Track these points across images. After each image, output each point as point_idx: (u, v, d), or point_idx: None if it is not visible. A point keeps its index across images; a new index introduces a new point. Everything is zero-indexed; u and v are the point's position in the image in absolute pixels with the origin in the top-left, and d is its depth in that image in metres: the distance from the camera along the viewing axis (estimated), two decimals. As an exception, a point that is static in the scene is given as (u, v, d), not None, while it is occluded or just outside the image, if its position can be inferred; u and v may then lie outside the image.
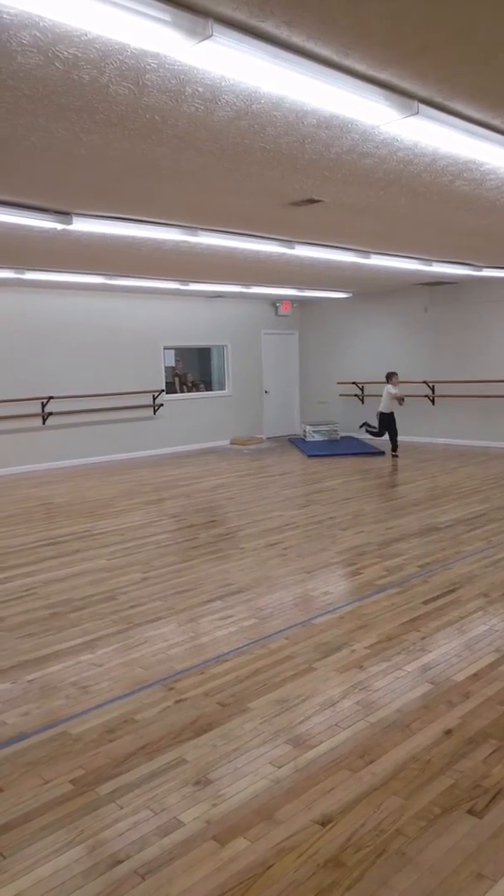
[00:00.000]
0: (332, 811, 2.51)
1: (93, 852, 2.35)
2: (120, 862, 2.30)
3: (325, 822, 2.45)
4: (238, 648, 3.98)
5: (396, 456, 11.36)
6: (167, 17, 2.36)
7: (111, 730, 3.15)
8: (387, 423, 11.32)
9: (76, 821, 2.52)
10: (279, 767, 2.80)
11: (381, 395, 11.40)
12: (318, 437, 13.20)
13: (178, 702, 3.39)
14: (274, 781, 2.71)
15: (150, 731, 3.13)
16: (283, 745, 2.97)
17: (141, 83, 3.03)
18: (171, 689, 3.53)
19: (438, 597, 4.71)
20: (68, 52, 2.70)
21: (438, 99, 3.33)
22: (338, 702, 3.32)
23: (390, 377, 11.23)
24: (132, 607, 4.73)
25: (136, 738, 3.07)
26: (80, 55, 2.72)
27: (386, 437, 11.63)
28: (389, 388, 11.08)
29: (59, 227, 5.77)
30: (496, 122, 3.71)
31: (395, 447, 11.45)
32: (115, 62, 2.80)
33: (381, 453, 11.64)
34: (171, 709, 3.33)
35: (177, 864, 2.27)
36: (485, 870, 2.19)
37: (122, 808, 2.59)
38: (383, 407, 11.27)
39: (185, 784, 2.72)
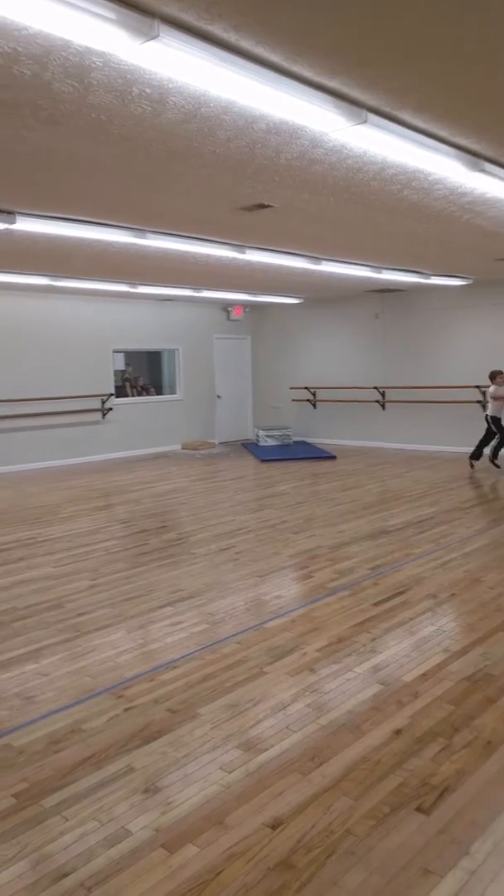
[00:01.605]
0: (282, 814, 2.50)
1: (37, 866, 2.29)
2: (66, 875, 2.25)
3: (275, 825, 2.44)
4: (188, 654, 3.95)
5: (498, 466, 10.09)
6: (112, 16, 2.33)
7: (57, 740, 3.09)
8: (498, 426, 9.94)
9: (19, 835, 2.46)
10: (229, 772, 2.78)
11: (334, 401, 11.34)
12: (271, 442, 13.24)
13: (126, 709, 3.35)
14: (224, 786, 2.69)
15: (98, 741, 3.08)
16: (234, 749, 2.95)
17: (86, 81, 2.99)
18: (120, 696, 3.48)
19: (388, 598, 4.76)
20: (8, 47, 2.64)
21: (387, 108, 3.38)
22: (289, 705, 3.32)
23: (494, 377, 9.78)
24: (79, 615, 4.65)
25: (83, 748, 3.02)
26: (20, 49, 2.67)
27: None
28: (491, 391, 9.79)
29: (2, 226, 5.66)
30: (443, 133, 3.78)
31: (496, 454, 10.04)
32: (59, 59, 2.76)
33: (333, 457, 11.73)
34: (120, 717, 3.28)
35: (125, 875, 2.24)
36: (432, 866, 2.21)
37: (67, 820, 2.53)
38: (492, 410, 9.89)
39: (134, 793, 2.68)
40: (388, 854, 2.27)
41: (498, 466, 10.14)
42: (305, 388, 13.85)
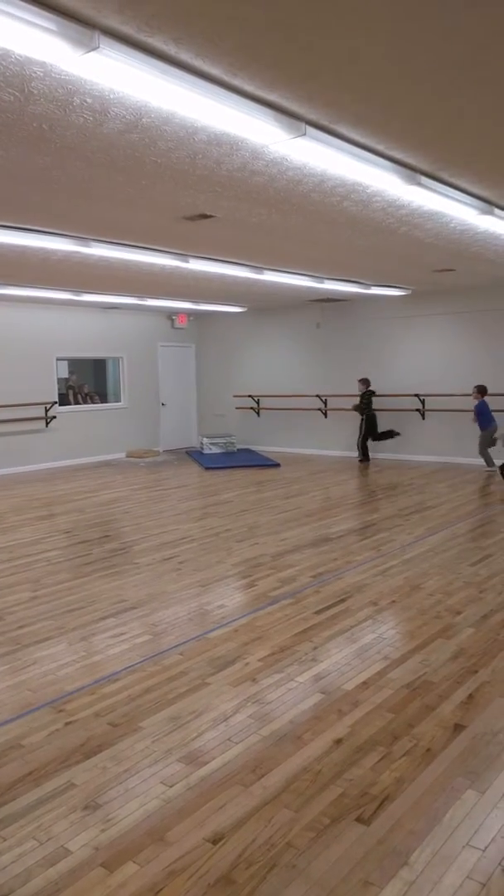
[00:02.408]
0: (223, 828, 2.50)
1: (-27, 889, 2.24)
2: (2, 897, 2.20)
3: (216, 839, 2.44)
4: (131, 666, 3.92)
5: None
6: (52, 27, 2.32)
7: (-4, 758, 3.02)
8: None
9: (-45, 857, 2.39)
10: (171, 786, 2.76)
11: (278, 409, 11.45)
12: (215, 450, 13.23)
13: (67, 724, 3.29)
14: (165, 801, 2.67)
15: (38, 756, 3.02)
16: (175, 763, 2.93)
17: (27, 90, 2.96)
18: (61, 710, 3.42)
19: (330, 606, 4.80)
20: None
21: (325, 122, 3.44)
22: (231, 716, 3.32)
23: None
24: (20, 627, 4.56)
25: (21, 765, 2.96)
26: (-40, 58, 2.63)
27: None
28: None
29: None
30: (379, 147, 3.86)
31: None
32: (-1, 68, 2.72)
33: (277, 465, 11.79)
34: (60, 731, 3.23)
35: (63, 895, 2.20)
36: (371, 877, 2.23)
37: (5, 839, 2.48)
38: None
39: (74, 810, 2.64)
40: (328, 866, 2.28)
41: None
42: (249, 395, 13.90)
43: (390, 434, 11.77)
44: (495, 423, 10.26)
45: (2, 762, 2.98)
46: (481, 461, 10.72)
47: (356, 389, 12.21)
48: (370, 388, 11.92)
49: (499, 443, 10.34)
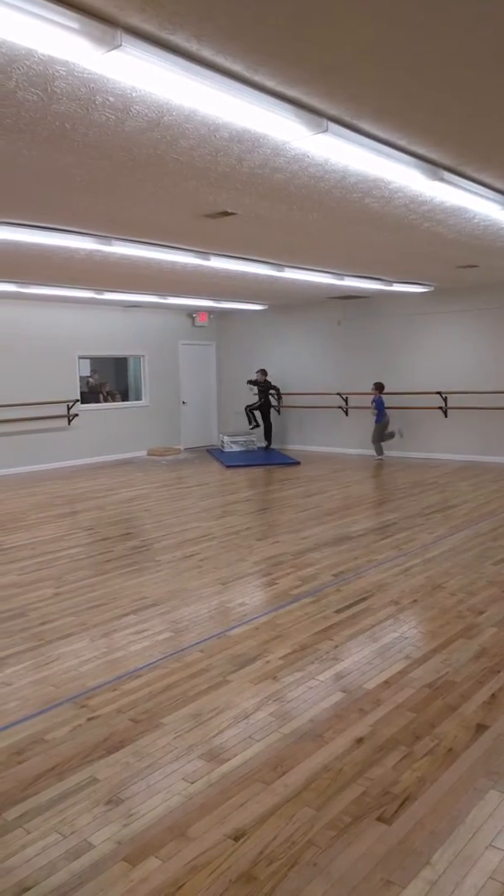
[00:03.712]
0: (244, 825, 2.50)
1: (-2, 881, 2.26)
2: (27, 889, 2.22)
3: (237, 836, 2.44)
4: (152, 663, 3.93)
5: None
6: (75, 25, 2.33)
7: (20, 751, 3.05)
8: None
9: (-20, 850, 2.42)
10: (192, 783, 2.77)
11: (298, 407, 11.51)
12: (235, 448, 13.24)
13: (90, 719, 3.32)
14: (187, 797, 2.68)
15: (61, 751, 3.04)
16: (197, 759, 2.94)
17: (50, 90, 2.98)
18: (84, 706, 3.45)
19: (351, 605, 4.79)
20: (-28, 55, 2.62)
21: (346, 117, 3.42)
22: (252, 714, 3.32)
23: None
24: (43, 624, 4.60)
25: (45, 759, 2.98)
26: (-16, 58, 2.65)
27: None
28: None
29: (-33, 232, 5.60)
30: (402, 143, 3.83)
31: None
32: (23, 67, 2.74)
33: (297, 463, 11.78)
34: (83, 727, 3.25)
35: (86, 889, 2.22)
36: (393, 876, 2.22)
37: (29, 832, 2.50)
38: None
39: (97, 804, 2.66)
40: (349, 865, 2.28)
41: None
42: (270, 393, 13.87)
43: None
44: (387, 417, 11.78)
45: (26, 756, 3.01)
46: (503, 459, 10.70)
47: (390, 387, 12.18)
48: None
49: (397, 435, 11.81)
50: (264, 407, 13.33)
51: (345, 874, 2.24)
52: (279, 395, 13.42)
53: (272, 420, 13.51)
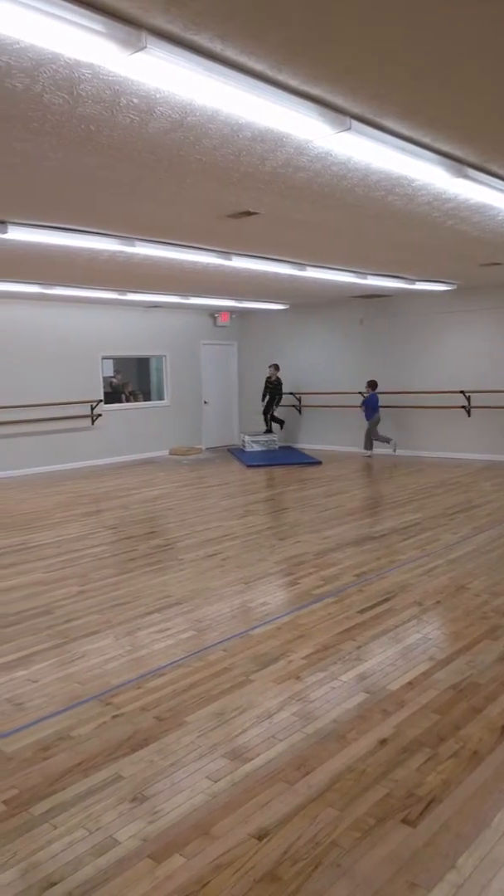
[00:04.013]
0: (268, 825, 2.50)
1: (26, 875, 2.29)
2: (54, 884, 2.24)
3: (261, 835, 2.44)
4: (175, 661, 3.95)
5: None
6: (101, 28, 2.34)
7: (46, 747, 3.08)
8: None
9: (9, 843, 2.45)
10: (216, 781, 2.78)
11: (319, 406, 11.53)
12: (256, 448, 13.24)
13: (114, 717, 3.34)
14: (211, 796, 2.69)
15: (86, 748, 3.07)
16: (220, 758, 2.95)
17: (75, 93, 3.00)
18: (108, 703, 3.47)
19: (374, 606, 4.77)
20: (1, 61, 2.65)
21: (370, 115, 3.41)
22: (275, 713, 3.32)
23: None
24: (68, 621, 4.64)
25: (71, 756, 3.01)
26: (13, 63, 2.68)
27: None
28: None
29: (-7, 235, 5.66)
30: (426, 140, 3.81)
31: None
32: (49, 71, 2.77)
33: (319, 463, 11.76)
34: (108, 724, 3.27)
35: (112, 885, 2.23)
36: (418, 879, 2.21)
37: (56, 828, 2.53)
38: None
39: (122, 801, 2.68)
40: (373, 867, 2.27)
41: None
42: (291, 393, 13.87)
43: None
44: (378, 415, 12.05)
45: (52, 752, 3.03)
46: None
47: (395, 387, 12.14)
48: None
49: (392, 442, 12.02)
50: (271, 402, 13.41)
51: (369, 876, 2.23)
52: (279, 398, 13.42)
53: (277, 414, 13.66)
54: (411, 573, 5.48)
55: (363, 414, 12.21)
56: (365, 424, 12.26)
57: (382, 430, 12.44)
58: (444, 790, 2.67)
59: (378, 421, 12.09)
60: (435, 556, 5.96)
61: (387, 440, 11.99)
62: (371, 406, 12.07)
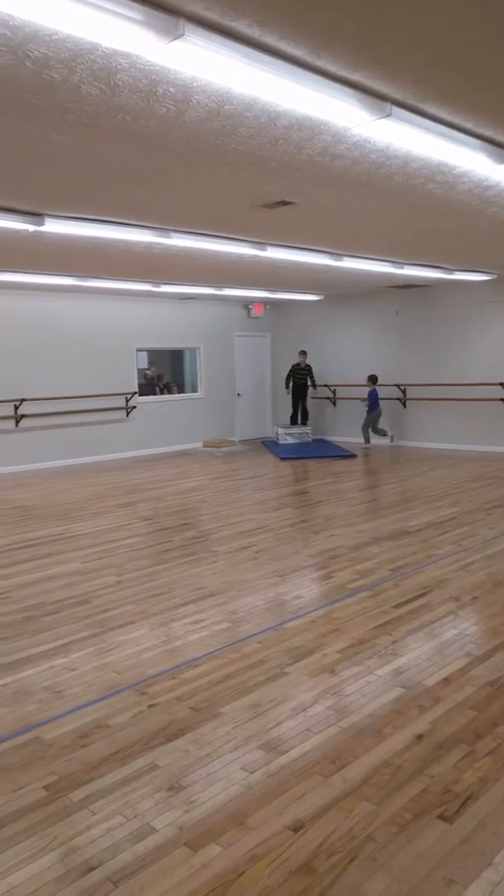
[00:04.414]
0: (303, 817, 2.49)
1: (65, 859, 2.31)
2: (93, 869, 2.26)
3: (296, 827, 2.44)
4: (210, 652, 3.96)
5: None
6: (139, 17, 2.33)
7: (84, 735, 3.11)
8: None
9: (49, 827, 2.48)
10: (251, 773, 2.78)
11: (356, 398, 11.48)
12: (290, 440, 13.21)
13: (150, 706, 3.36)
14: (246, 787, 2.69)
15: (123, 737, 3.09)
16: (256, 750, 2.95)
17: (112, 83, 3.00)
18: (144, 693, 3.49)
19: (410, 601, 4.73)
20: (39, 52, 2.66)
21: (411, 101, 3.34)
22: (310, 706, 3.31)
23: None
24: (105, 611, 4.68)
25: (108, 744, 3.04)
26: (50, 54, 2.69)
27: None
28: None
29: (31, 228, 5.70)
30: (468, 125, 3.74)
31: None
32: (87, 62, 2.77)
33: (353, 456, 11.69)
34: (144, 714, 3.29)
35: (149, 871, 2.25)
36: (455, 875, 2.18)
37: (94, 814, 2.55)
38: None
39: (158, 790, 2.69)
40: (410, 862, 2.25)
41: None
42: (325, 385, 13.80)
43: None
44: (379, 409, 12.28)
45: (90, 740, 3.06)
46: None
47: (432, 379, 12.01)
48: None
49: (388, 437, 12.52)
50: (302, 390, 13.41)
51: (406, 871, 2.21)
52: (313, 385, 13.44)
53: (308, 406, 13.66)
54: (448, 568, 5.42)
55: (366, 407, 12.37)
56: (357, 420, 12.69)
57: (415, 422, 12.32)
58: (481, 787, 2.64)
59: (379, 415, 12.31)
60: (472, 551, 5.88)
61: (384, 433, 12.35)
62: (372, 400, 12.24)
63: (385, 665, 3.72)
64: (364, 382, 12.87)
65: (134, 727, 3.17)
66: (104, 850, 2.36)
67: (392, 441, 12.70)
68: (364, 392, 12.72)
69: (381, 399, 12.81)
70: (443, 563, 5.55)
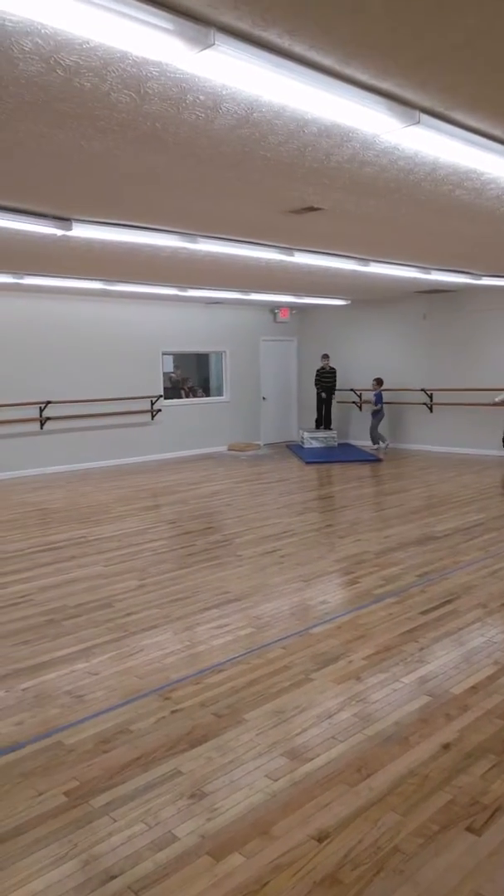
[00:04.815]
0: (328, 826, 2.48)
1: (86, 867, 2.32)
2: (114, 877, 2.27)
3: (321, 837, 2.43)
4: (234, 658, 3.96)
5: None
6: (170, 26, 2.34)
7: (106, 740, 3.13)
8: None
9: (70, 834, 2.49)
10: (275, 781, 2.77)
11: (386, 403, 11.43)
12: (315, 444, 13.18)
13: (173, 712, 3.36)
14: (270, 795, 2.68)
15: (145, 742, 3.10)
16: (279, 757, 2.94)
17: (142, 91, 3.02)
18: (167, 698, 3.50)
19: (436, 607, 4.69)
20: (70, 60, 2.68)
21: (440, 108, 3.33)
22: (335, 714, 3.29)
23: None
24: (128, 615, 4.70)
25: (130, 749, 3.04)
26: (81, 63, 2.71)
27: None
28: None
29: (59, 233, 5.75)
30: (496, 132, 3.71)
31: None
32: (117, 70, 2.79)
33: (379, 461, 11.63)
34: (167, 719, 3.30)
35: (171, 880, 2.25)
36: (483, 889, 2.16)
37: (115, 821, 2.56)
38: None
39: (180, 797, 2.69)
40: (437, 874, 2.23)
41: None
42: (351, 389, 13.75)
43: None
44: (383, 413, 12.87)
45: (112, 745, 3.08)
46: None
47: (459, 383, 11.91)
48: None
49: (383, 444, 12.99)
50: (328, 393, 13.48)
51: (432, 884, 2.19)
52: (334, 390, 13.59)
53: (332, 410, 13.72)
54: (475, 574, 5.37)
55: (373, 407, 12.80)
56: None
57: (442, 427, 12.21)
58: (509, 800, 2.60)
59: (381, 418, 12.82)
60: (499, 557, 5.82)
61: (381, 438, 12.91)
62: (378, 403, 12.72)
63: (411, 672, 3.70)
64: (388, 387, 12.86)
65: (156, 733, 3.18)
66: (125, 858, 2.36)
67: (386, 449, 13.00)
68: (401, 396, 12.71)
69: (407, 403, 12.75)
70: (470, 569, 5.50)
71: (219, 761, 2.93)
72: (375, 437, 12.90)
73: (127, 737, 3.15)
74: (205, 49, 2.48)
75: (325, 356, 13.39)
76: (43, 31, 2.44)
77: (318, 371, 13.43)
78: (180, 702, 3.46)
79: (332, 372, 13.31)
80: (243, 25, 2.46)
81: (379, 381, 12.70)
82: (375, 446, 12.95)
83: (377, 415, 12.76)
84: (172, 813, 2.59)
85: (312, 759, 2.92)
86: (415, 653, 3.95)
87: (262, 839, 2.43)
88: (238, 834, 2.46)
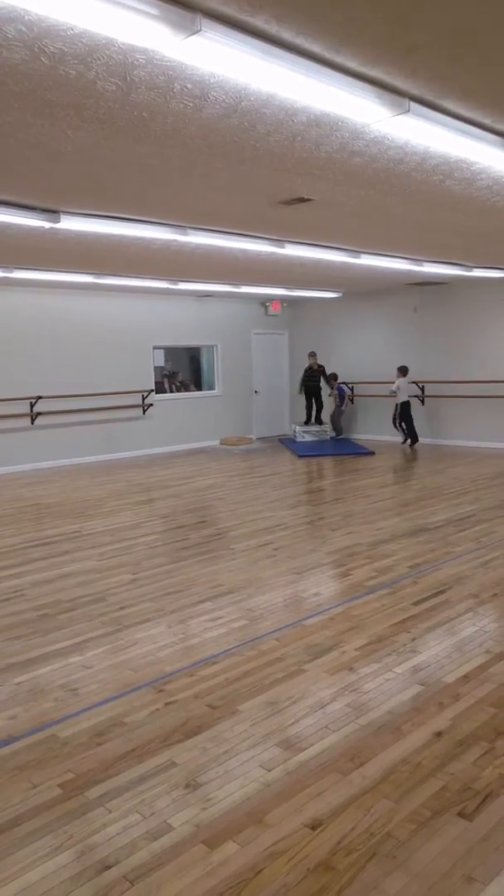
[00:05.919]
0: (322, 814, 2.49)
1: (81, 857, 2.32)
2: (109, 867, 2.27)
3: (315, 825, 2.43)
4: (228, 650, 3.95)
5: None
6: (155, 12, 2.32)
7: (100, 733, 3.12)
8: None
9: (65, 825, 2.49)
10: (269, 770, 2.78)
11: (372, 396, 11.42)
12: (308, 438, 13.18)
13: (167, 704, 3.36)
14: (264, 784, 2.68)
15: (140, 734, 3.10)
16: (273, 747, 2.94)
17: (129, 79, 2.99)
18: (161, 691, 3.50)
19: (428, 598, 4.70)
20: (54, 47, 2.66)
21: (430, 97, 3.32)
22: (328, 704, 3.30)
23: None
24: (121, 609, 4.69)
25: (125, 742, 3.04)
26: (66, 50, 2.69)
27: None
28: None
29: (48, 225, 5.72)
30: (487, 121, 3.70)
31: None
32: (103, 57, 2.77)
33: (371, 453, 11.64)
34: (161, 711, 3.30)
35: (166, 869, 2.25)
36: (475, 873, 2.17)
37: (111, 812, 2.56)
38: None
39: (175, 787, 2.69)
40: (429, 859, 2.24)
41: None
42: (343, 382, 13.74)
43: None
44: (345, 406, 13.34)
45: (107, 738, 3.07)
46: None
47: (451, 376, 11.92)
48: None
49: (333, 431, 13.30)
50: (316, 392, 13.41)
51: (425, 868, 2.19)
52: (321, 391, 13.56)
53: (322, 404, 13.62)
54: (467, 565, 5.38)
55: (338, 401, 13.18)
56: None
57: (434, 419, 12.24)
58: (501, 785, 2.62)
59: (342, 412, 13.31)
60: (491, 548, 5.84)
61: (340, 430, 13.34)
62: (340, 395, 13.19)
63: (404, 662, 3.70)
64: (394, 376, 12.83)
65: (150, 725, 3.18)
66: (120, 848, 2.36)
67: (337, 437, 13.30)
68: (382, 388, 12.68)
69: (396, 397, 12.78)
70: (462, 560, 5.52)
71: (213, 752, 2.93)
72: (338, 428, 13.30)
73: (121, 729, 3.15)
74: (191, 35, 2.47)
75: (313, 354, 13.19)
76: (27, 17, 2.42)
77: (305, 370, 13.25)
78: (174, 694, 3.46)
79: (320, 370, 13.16)
80: (229, 10, 2.44)
81: (333, 376, 13.12)
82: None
83: (341, 406, 13.17)
84: (167, 803, 2.59)
85: (306, 748, 2.92)
86: (407, 643, 3.96)
87: (256, 827, 2.43)
88: (232, 823, 2.47)
